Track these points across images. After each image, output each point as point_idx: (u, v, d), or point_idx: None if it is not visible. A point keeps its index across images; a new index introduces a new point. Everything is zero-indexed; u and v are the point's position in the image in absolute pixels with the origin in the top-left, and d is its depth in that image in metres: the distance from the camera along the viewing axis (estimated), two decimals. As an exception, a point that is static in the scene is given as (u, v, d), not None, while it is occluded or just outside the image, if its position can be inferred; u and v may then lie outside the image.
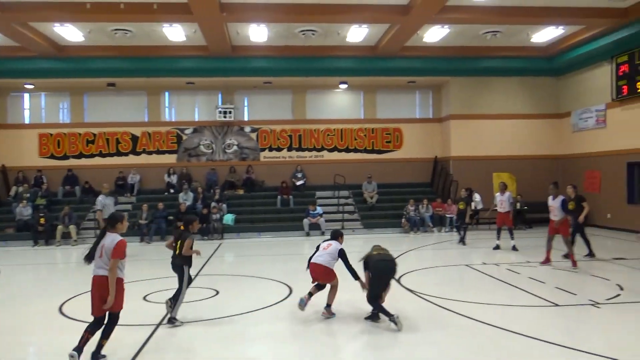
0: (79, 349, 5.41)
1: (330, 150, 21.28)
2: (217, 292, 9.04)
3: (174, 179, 20.16)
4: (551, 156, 20.59)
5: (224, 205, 18.43)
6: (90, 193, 19.15)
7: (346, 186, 20.26)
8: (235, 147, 21.08)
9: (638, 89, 16.13)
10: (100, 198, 13.49)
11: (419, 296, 8.56)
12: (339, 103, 21.66)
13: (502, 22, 15.83)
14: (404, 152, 21.51)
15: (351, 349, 6.28)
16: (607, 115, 17.83)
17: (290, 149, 21.17)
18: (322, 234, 17.32)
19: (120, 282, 5.64)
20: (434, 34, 17.02)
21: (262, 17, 15.09)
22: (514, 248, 13.28)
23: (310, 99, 21.41)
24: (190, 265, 7.10)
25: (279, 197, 19.55)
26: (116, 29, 16.15)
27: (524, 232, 17.26)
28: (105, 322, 5.64)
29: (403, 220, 18.06)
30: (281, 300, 8.40)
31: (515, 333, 6.45)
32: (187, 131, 20.93)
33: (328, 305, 7.47)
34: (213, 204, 17.86)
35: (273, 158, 21.15)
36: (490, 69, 19.89)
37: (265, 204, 19.73)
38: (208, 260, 12.82)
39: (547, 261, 11.20)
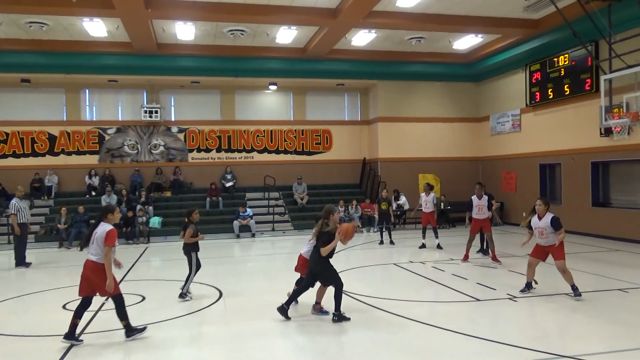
0: (70, 335, 6.13)
1: (260, 152, 21.18)
2: (143, 298, 8.74)
3: (95, 180, 19.26)
4: (472, 158, 21.62)
5: (150, 208, 17.85)
6: (2, 196, 17.92)
7: (276, 187, 20.25)
8: (161, 148, 20.47)
9: (549, 95, 17.29)
10: (14, 201, 12.63)
11: (349, 296, 8.69)
12: (269, 104, 21.60)
13: (425, 29, 16.43)
14: (334, 153, 21.80)
15: (282, 350, 6.27)
16: (522, 120, 18.98)
17: (219, 150, 20.85)
18: (253, 235, 17.20)
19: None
20: (362, 38, 17.38)
21: (189, 15, 14.75)
22: (439, 246, 13.81)
23: (240, 100, 21.20)
24: (196, 251, 8.62)
25: (207, 198, 19.19)
26: (31, 22, 15.20)
27: (447, 231, 17.98)
28: (115, 307, 6.31)
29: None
30: (210, 305, 8.24)
31: (441, 328, 6.71)
32: (109, 131, 20.07)
33: (317, 303, 7.52)
34: (139, 206, 17.24)
35: (201, 159, 20.73)
36: (415, 74, 20.59)
37: (194, 206, 19.22)
38: (133, 265, 12.36)
39: (466, 258, 11.74)
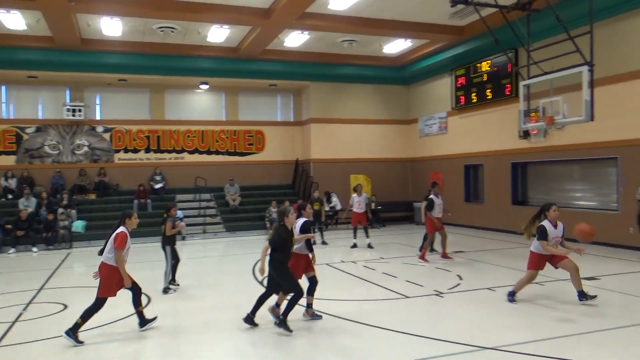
0: (72, 330, 6.34)
1: (191, 152, 20.72)
2: (65, 307, 8.31)
3: (12, 183, 18.06)
4: (401, 159, 22.23)
5: (73, 212, 16.98)
6: None
7: (208, 189, 19.88)
8: (85, 148, 19.54)
9: (473, 99, 18.10)
10: None
11: (282, 297, 8.69)
12: (200, 104, 21.18)
13: (357, 32, 16.72)
14: (266, 154, 21.70)
15: (209, 355, 6.17)
16: (448, 122, 19.75)
17: (147, 150, 20.18)
18: (183, 238, 16.79)
19: (115, 270, 6.53)
20: (295, 39, 17.43)
21: (115, 10, 14.19)
22: (369, 246, 14.08)
23: (170, 99, 20.64)
24: (171, 245, 9.28)
25: (135, 201, 18.51)
26: (-63, 12, 14.08)
27: (378, 231, 18.36)
28: (132, 295, 6.78)
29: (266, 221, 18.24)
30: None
31: (372, 326, 6.85)
32: (28, 130, 18.90)
33: (309, 306, 7.27)
34: (60, 210, 16.36)
35: (129, 160, 19.98)
36: (347, 76, 20.90)
37: (120, 208, 18.35)
38: (54, 272, 11.72)
39: (445, 256, 11.99)
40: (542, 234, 7.65)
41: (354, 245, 14.22)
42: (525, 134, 15.36)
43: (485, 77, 17.51)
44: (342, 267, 11.38)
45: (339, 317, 7.32)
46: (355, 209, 14.43)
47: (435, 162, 20.55)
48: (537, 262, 7.86)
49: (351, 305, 8.19)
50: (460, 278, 9.80)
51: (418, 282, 9.54)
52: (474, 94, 18.06)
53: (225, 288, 9.75)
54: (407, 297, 8.49)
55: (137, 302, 6.85)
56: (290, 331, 6.59)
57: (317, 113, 21.10)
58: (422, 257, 11.80)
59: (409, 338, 6.38)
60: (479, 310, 7.75)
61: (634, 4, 12.39)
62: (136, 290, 6.83)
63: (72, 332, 6.32)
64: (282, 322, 6.66)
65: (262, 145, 21.69)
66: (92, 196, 18.76)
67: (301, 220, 7.30)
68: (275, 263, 6.69)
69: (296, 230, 7.09)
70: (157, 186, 19.56)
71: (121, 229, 6.68)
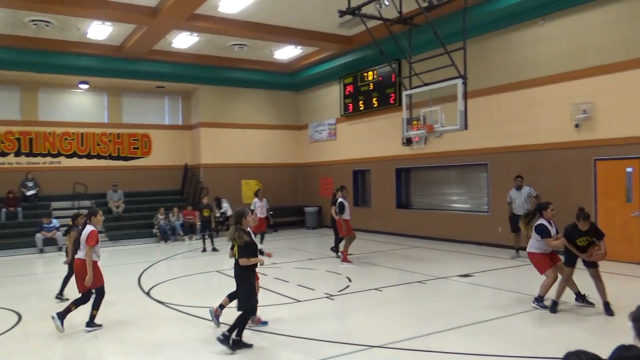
0: (61, 314, 6.77)
1: (69, 156, 19.26)
2: None
3: None
4: (293, 164, 22.47)
5: None
6: None
7: (88, 195, 18.59)
8: (-59, 151, 17.39)
9: (360, 107, 18.82)
10: None
11: (170, 307, 8.38)
12: (79, 104, 19.77)
13: (247, 37, 16.62)
14: (153, 159, 20.80)
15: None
16: (337, 129, 20.34)
17: (18, 154, 18.42)
18: (60, 249, 15.54)
19: (95, 264, 7.01)
20: (183, 41, 16.93)
21: (-21, -1, 12.82)
22: (261, 251, 13.99)
23: (44, 98, 19.03)
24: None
25: (3, 209, 16.80)
26: None
27: (270, 236, 18.35)
28: (94, 296, 7.05)
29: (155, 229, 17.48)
30: (7, 331, 7.23)
31: (265, 332, 6.83)
32: None
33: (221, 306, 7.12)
34: None
35: (-5, 164, 18.11)
36: (238, 80, 20.70)
37: (-15, 218, 16.74)
38: None
39: (345, 259, 12.31)
40: (546, 232, 7.61)
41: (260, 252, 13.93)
42: (408, 141, 16.27)
43: (371, 86, 18.29)
44: (232, 274, 11.18)
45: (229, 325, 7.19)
46: (258, 214, 14.22)
47: (325, 167, 21.05)
48: (545, 262, 7.71)
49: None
50: (350, 280, 10.11)
51: (309, 285, 9.68)
52: (361, 102, 18.78)
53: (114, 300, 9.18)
54: (299, 301, 8.58)
55: (96, 305, 7.08)
56: (233, 349, 6.02)
57: (207, 117, 20.66)
58: (345, 259, 12.17)
59: (302, 342, 6.46)
60: (367, 310, 8.05)
61: (502, 24, 13.67)
62: (99, 294, 7.10)
63: (91, 322, 7.01)
64: (226, 337, 6.06)
65: (149, 150, 20.76)
66: (-50, 205, 16.75)
67: None
68: (239, 270, 6.32)
69: None
70: (29, 193, 17.92)
71: (89, 227, 7.04)
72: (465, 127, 11.37)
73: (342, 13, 11.83)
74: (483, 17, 13.52)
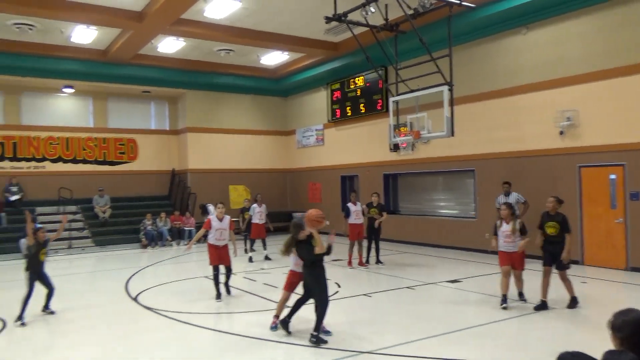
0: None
1: (54, 161, 19.04)
2: None
3: None
4: (281, 170, 22.45)
5: None
6: None
7: (74, 201, 18.39)
8: None
9: (348, 113, 18.89)
10: None
11: (158, 313, 8.32)
12: (64, 109, 19.59)
13: (234, 42, 16.62)
14: (140, 164, 20.65)
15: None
16: (325, 135, 20.38)
17: (1, 158, 18.17)
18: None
19: None
20: (170, 45, 16.86)
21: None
22: (267, 257, 13.95)
23: (27, 102, 18.82)
24: (29, 270, 8.09)
25: (-14, 215, 16.57)
26: None
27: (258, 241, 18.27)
28: None
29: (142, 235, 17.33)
30: (-8, 339, 7.12)
31: (254, 338, 6.81)
32: None
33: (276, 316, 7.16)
34: None
35: (-22, 169, 17.83)
36: (224, 85, 20.67)
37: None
38: None
39: (350, 263, 12.55)
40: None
41: (251, 259, 13.77)
42: (396, 147, 16.35)
43: (358, 92, 18.38)
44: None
45: (219, 331, 7.17)
46: (256, 220, 14.09)
47: (313, 173, 21.06)
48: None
49: (232, 317, 8.07)
50: (339, 285, 10.12)
51: (298, 291, 9.63)
52: (348, 107, 18.85)
53: (83, 306, 9.09)
54: (288, 307, 8.54)
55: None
56: (325, 341, 6.47)
57: (194, 122, 20.58)
58: (349, 263, 12.49)
59: (291, 347, 6.44)
60: (360, 315, 8.06)
61: (486, 32, 13.84)
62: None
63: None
64: (317, 337, 6.49)
65: (135, 154, 20.61)
66: None
67: None
68: (309, 271, 6.68)
69: None
70: (13, 198, 17.67)
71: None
72: (452, 134, 11.48)
73: (328, 19, 11.90)
74: (468, 25, 13.66)
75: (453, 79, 11.52)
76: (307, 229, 6.63)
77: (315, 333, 6.49)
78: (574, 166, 12.06)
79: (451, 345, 6.41)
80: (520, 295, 8.42)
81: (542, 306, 7.87)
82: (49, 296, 8.39)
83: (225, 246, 9.35)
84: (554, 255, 7.93)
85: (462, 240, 14.74)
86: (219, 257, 9.22)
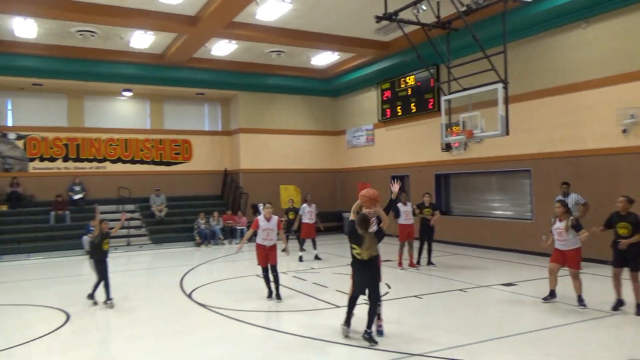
0: None
1: (114, 162, 19.87)
2: (-27, 329, 7.68)
3: None
4: (330, 170, 22.50)
5: (-19, 225, 15.76)
6: None
7: (132, 200, 19.13)
8: (-5, 157, 18.23)
9: (398, 112, 18.70)
10: None
11: (211, 310, 8.52)
12: (123, 111, 20.41)
13: (285, 43, 16.81)
14: (194, 164, 21.23)
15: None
16: (375, 134, 20.27)
17: (66, 159, 19.13)
18: (104, 252, 15.99)
19: None
20: (222, 48, 17.25)
21: (28, 11, 13.34)
22: (317, 257, 14.03)
23: (90, 106, 19.72)
24: (93, 259, 8.96)
25: (52, 212, 17.48)
26: None
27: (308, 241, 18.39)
28: None
29: (195, 233, 17.80)
30: (56, 329, 7.50)
31: (304, 337, 6.85)
32: None
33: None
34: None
35: (45, 169, 18.83)
36: (275, 86, 20.93)
37: (35, 221, 17.45)
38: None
39: (401, 264, 12.42)
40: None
41: (301, 259, 13.79)
42: (448, 147, 16.04)
43: (409, 92, 18.16)
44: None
45: (270, 329, 7.26)
46: (306, 220, 14.17)
47: (363, 173, 20.98)
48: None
49: (283, 316, 8.15)
50: (389, 287, 10.03)
51: (348, 291, 9.63)
52: (399, 107, 18.66)
53: (134, 301, 9.41)
54: (338, 306, 8.57)
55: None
56: (376, 342, 6.46)
57: (245, 123, 20.95)
58: (399, 264, 12.37)
59: (341, 347, 6.44)
60: (406, 318, 7.97)
61: (543, 27, 13.36)
62: None
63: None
64: (369, 334, 6.52)
65: (190, 155, 21.20)
66: (4, 208, 17.52)
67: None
68: (376, 270, 6.75)
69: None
70: (77, 197, 18.57)
71: None
72: (507, 133, 11.15)
73: (378, 19, 11.80)
74: (523, 21, 13.23)
75: (508, 77, 11.18)
76: (371, 209, 6.80)
77: (369, 330, 6.48)
78: (638, 166, 11.45)
79: (505, 350, 6.23)
80: (580, 300, 8.07)
81: (619, 304, 7.73)
82: (106, 287, 8.83)
83: (273, 246, 9.29)
84: (626, 257, 7.61)
85: (518, 242, 14.27)
86: (266, 258, 9.21)
